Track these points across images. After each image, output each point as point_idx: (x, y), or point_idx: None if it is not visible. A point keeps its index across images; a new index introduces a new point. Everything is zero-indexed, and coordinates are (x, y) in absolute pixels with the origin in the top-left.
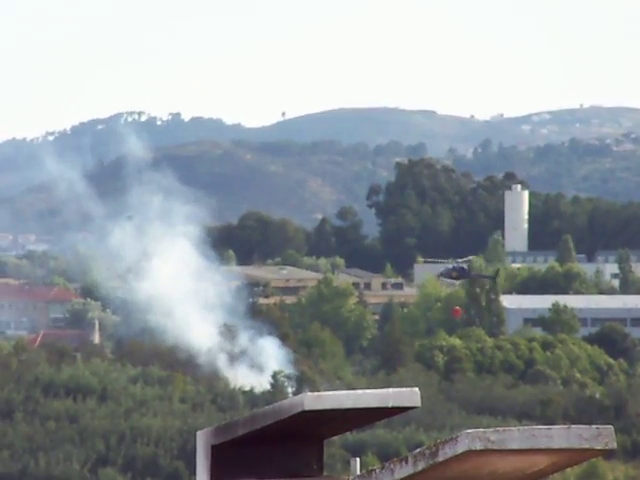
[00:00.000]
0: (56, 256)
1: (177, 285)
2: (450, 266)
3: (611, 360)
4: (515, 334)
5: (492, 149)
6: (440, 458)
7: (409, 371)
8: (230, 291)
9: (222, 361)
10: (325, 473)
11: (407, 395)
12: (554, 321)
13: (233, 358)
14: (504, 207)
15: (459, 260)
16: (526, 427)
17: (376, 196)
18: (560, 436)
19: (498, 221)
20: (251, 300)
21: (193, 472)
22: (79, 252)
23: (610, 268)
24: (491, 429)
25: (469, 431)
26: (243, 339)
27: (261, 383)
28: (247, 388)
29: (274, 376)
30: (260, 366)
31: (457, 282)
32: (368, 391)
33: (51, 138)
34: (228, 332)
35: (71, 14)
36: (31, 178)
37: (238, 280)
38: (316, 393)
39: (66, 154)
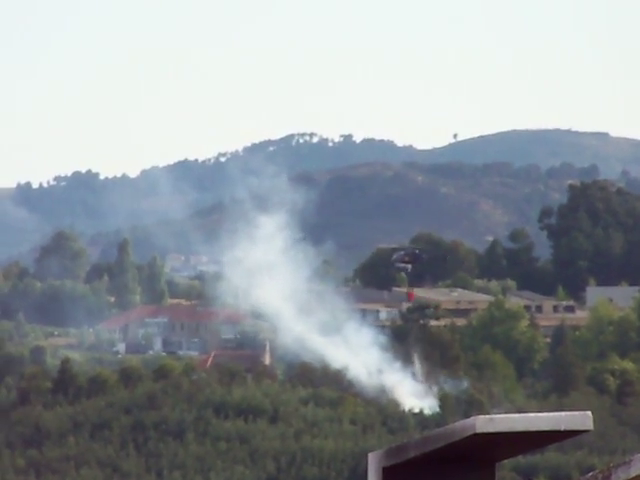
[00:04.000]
0: (228, 277)
1: (346, 307)
2: (402, 252)
3: None
4: None
5: None
6: None
7: (581, 394)
8: (401, 312)
9: (391, 383)
10: None
11: (579, 418)
12: None
13: (402, 380)
14: None
15: (413, 246)
16: None
17: (548, 218)
18: None
19: None
20: (422, 322)
21: None
22: (248, 274)
23: None
24: None
25: None
26: (413, 360)
27: (431, 405)
28: (417, 410)
29: (443, 398)
30: (429, 388)
31: (409, 266)
32: (540, 414)
33: (223, 159)
34: (397, 353)
35: (244, 38)
36: (203, 199)
37: (409, 302)
38: (488, 416)
39: (237, 175)
